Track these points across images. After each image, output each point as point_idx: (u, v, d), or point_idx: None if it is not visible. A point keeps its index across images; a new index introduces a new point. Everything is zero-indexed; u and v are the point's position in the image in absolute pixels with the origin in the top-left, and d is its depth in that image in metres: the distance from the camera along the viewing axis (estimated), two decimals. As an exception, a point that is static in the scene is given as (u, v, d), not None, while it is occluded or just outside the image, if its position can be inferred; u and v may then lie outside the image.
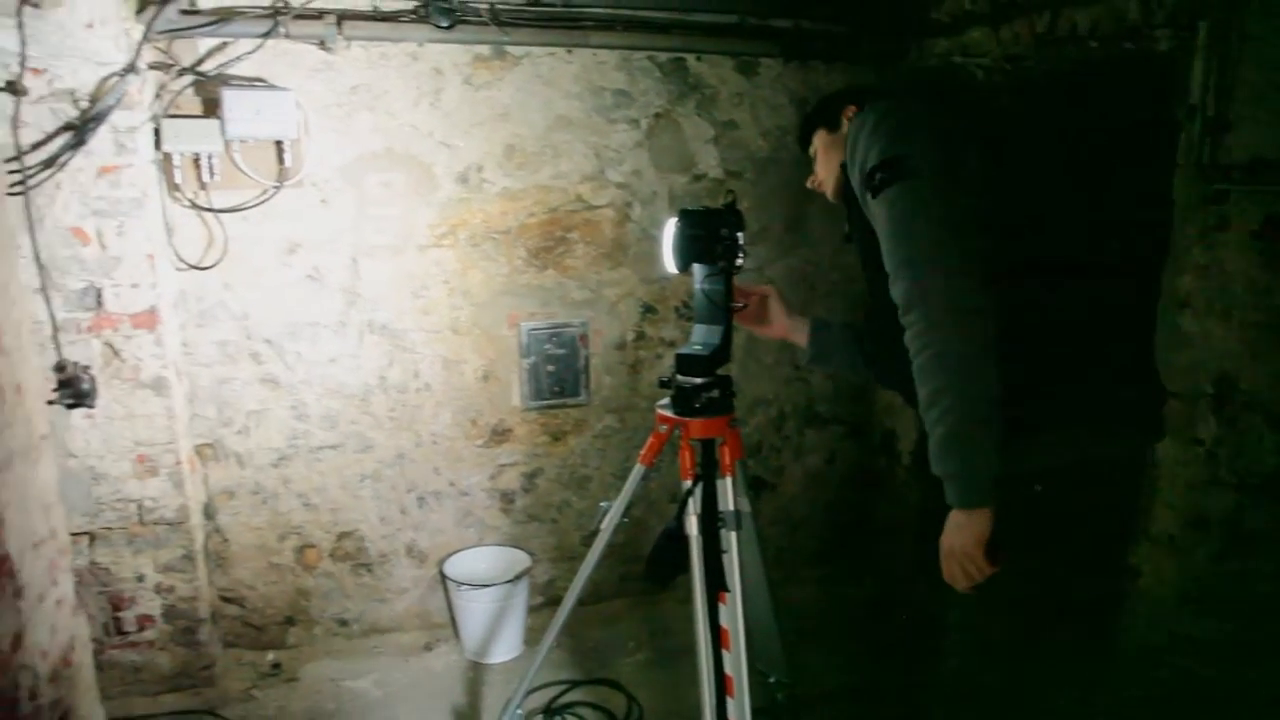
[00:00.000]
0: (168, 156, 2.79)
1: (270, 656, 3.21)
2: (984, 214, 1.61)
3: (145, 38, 2.53)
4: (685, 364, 2.20)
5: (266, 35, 2.77)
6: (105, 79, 2.46)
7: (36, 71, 2.35)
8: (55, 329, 2.31)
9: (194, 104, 2.82)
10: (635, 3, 3.09)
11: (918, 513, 1.99)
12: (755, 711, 2.09)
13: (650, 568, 2.17)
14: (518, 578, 3.20)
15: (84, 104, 2.47)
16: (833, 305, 3.66)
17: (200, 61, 2.81)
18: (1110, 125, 2.56)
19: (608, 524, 2.38)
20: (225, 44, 2.81)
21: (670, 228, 2.20)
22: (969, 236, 1.58)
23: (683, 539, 2.09)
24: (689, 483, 2.13)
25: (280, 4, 2.77)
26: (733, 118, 3.42)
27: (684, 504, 2.10)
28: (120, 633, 2.86)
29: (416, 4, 2.89)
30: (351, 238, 3.08)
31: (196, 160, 2.83)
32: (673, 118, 3.36)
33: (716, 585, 2.04)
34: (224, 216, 2.92)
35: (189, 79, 2.79)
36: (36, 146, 2.40)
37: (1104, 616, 2.09)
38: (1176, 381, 2.31)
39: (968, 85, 2.46)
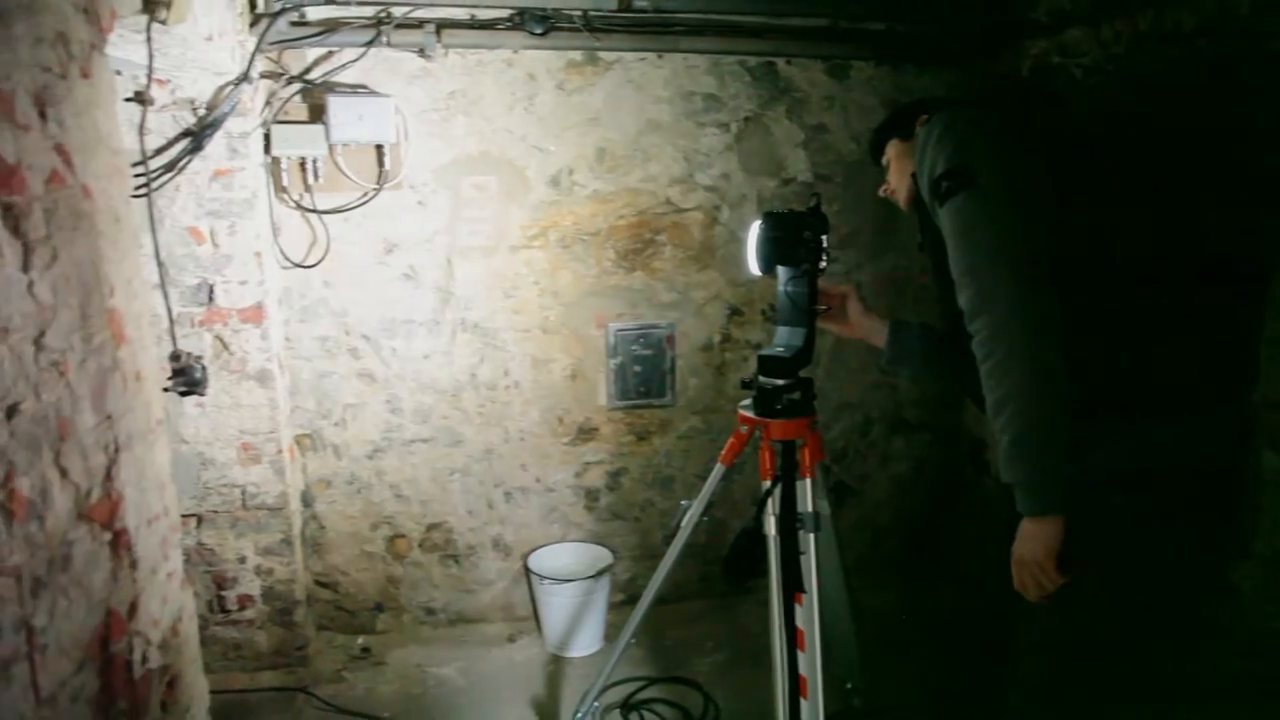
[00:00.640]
0: (276, 160, 2.94)
1: (360, 640, 3.33)
2: (1057, 220, 1.59)
3: (258, 48, 2.68)
4: (767, 365, 2.21)
5: (369, 44, 2.89)
6: (221, 88, 2.61)
7: (161, 82, 2.51)
8: (171, 322, 2.46)
9: (301, 110, 2.96)
10: (726, 7, 3.12)
11: (1004, 525, 1.96)
12: (830, 716, 2.09)
13: (727, 566, 2.19)
14: (599, 574, 3.25)
15: (201, 111, 2.62)
16: (921, 311, 3.61)
17: (308, 70, 2.95)
18: (1218, 126, 2.47)
19: (687, 522, 2.41)
20: (331, 53, 2.95)
21: (754, 230, 2.22)
22: (1037, 243, 1.57)
23: (761, 539, 2.10)
24: (768, 483, 2.15)
25: (383, 14, 2.89)
26: (823, 121, 3.41)
27: (763, 504, 2.12)
28: (223, 610, 3.01)
29: (512, 12, 2.98)
30: (446, 238, 3.19)
31: (302, 163, 2.97)
32: (762, 121, 3.37)
33: (793, 586, 2.04)
34: (326, 217, 3.06)
35: (297, 87, 2.94)
36: (159, 152, 2.56)
37: (1194, 636, 2.02)
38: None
39: (1048, 91, 2.41)
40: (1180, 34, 2.53)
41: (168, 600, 1.63)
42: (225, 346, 2.82)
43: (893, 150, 2.03)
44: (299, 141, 2.90)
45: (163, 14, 1.75)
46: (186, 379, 2.25)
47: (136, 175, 2.12)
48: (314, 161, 2.96)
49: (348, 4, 2.82)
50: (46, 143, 1.20)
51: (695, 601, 3.58)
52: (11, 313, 1.08)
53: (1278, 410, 2.16)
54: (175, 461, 2.04)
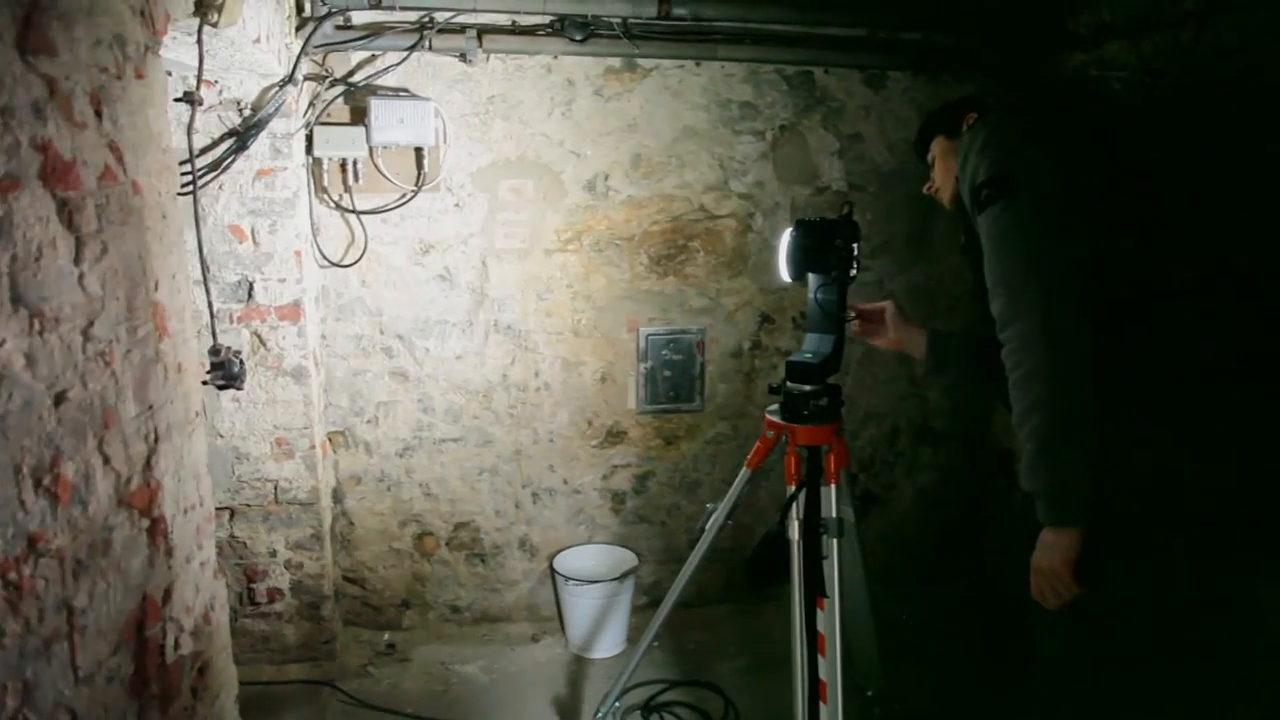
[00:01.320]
0: (318, 161, 2.99)
1: (386, 636, 3.37)
2: (1096, 232, 1.59)
3: (303, 51, 2.73)
4: (795, 371, 2.22)
5: (412, 49, 2.94)
6: (266, 89, 2.67)
7: (209, 83, 2.58)
8: (212, 317, 2.52)
9: (343, 112, 3.02)
10: (764, 16, 3.13)
11: (1029, 535, 1.96)
12: (850, 723, 2.09)
13: (750, 568, 2.20)
14: (624, 576, 3.27)
15: (247, 112, 2.69)
16: (953, 320, 3.60)
17: (351, 73, 3.01)
18: (1258, 143, 2.44)
19: (712, 525, 2.43)
20: (374, 56, 3.00)
21: (786, 237, 2.24)
22: (1071, 256, 1.57)
23: (784, 543, 2.11)
24: (793, 488, 2.16)
25: (426, 19, 2.93)
26: (859, 130, 3.41)
27: (787, 508, 2.13)
28: (253, 603, 3.06)
29: (553, 18, 3.01)
30: (481, 240, 3.23)
31: (343, 164, 3.02)
32: (798, 130, 3.38)
33: (815, 590, 2.05)
34: (365, 218, 3.11)
35: (340, 89, 2.99)
36: (204, 151, 2.63)
37: (1216, 652, 2.00)
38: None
39: (1101, 97, 2.39)
40: (1222, 48, 2.50)
41: (200, 588, 1.67)
42: (262, 343, 2.88)
43: (938, 148, 2.04)
44: (340, 143, 2.95)
45: (214, 17, 1.80)
46: (225, 373, 2.30)
47: (183, 173, 2.18)
48: (354, 163, 3.01)
49: (392, 9, 2.87)
50: (101, 140, 1.24)
51: (718, 606, 3.58)
52: (62, 303, 1.12)
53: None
54: (210, 454, 2.09)
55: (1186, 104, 2.74)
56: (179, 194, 1.63)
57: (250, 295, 2.84)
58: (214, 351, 2.31)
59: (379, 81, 3.01)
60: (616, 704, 2.65)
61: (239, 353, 2.39)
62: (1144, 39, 2.78)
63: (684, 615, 3.34)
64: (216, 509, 2.90)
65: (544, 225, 3.27)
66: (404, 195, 3.11)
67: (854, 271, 2.19)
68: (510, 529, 3.47)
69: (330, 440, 3.26)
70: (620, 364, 3.42)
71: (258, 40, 2.29)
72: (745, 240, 3.42)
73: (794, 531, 2.11)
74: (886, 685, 2.48)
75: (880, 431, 3.68)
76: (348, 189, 3.06)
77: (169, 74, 2.13)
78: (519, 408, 3.38)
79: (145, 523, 1.38)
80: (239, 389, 2.44)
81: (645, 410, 3.47)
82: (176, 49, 1.99)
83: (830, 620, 2.08)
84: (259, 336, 2.88)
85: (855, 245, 2.18)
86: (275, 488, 2.99)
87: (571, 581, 3.24)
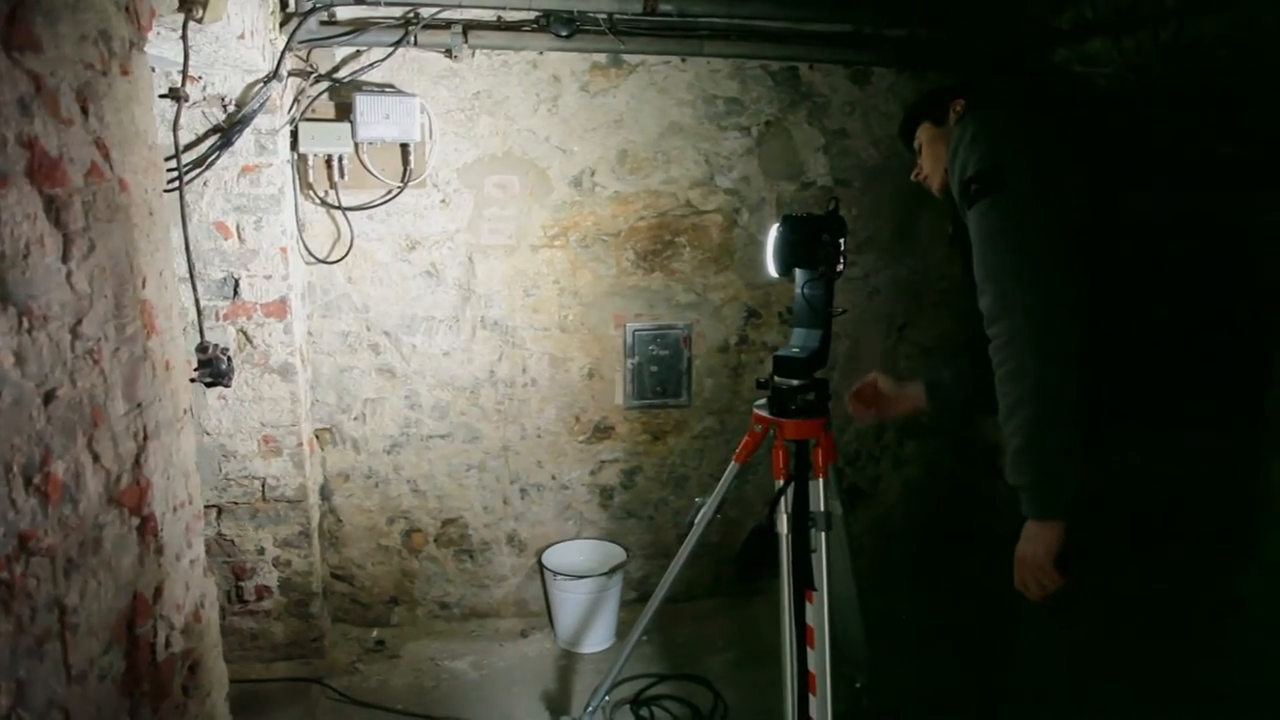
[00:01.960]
0: (303, 157, 2.98)
1: (375, 633, 3.37)
2: (1083, 228, 1.61)
3: (288, 47, 2.72)
4: (783, 366, 2.24)
5: (397, 44, 2.93)
6: (251, 85, 2.66)
7: (193, 79, 2.56)
8: (199, 314, 2.51)
9: (328, 108, 3.00)
10: (750, 12, 3.13)
11: (1014, 528, 1.98)
12: (840, 715, 2.10)
13: (739, 561, 2.22)
14: (612, 571, 3.28)
15: (231, 108, 2.67)
16: (939, 315, 3.62)
17: (336, 69, 3.00)
18: (1237, 138, 2.47)
19: (701, 519, 2.44)
20: (359, 52, 2.99)
21: (773, 233, 2.25)
22: (1060, 252, 1.58)
23: (773, 536, 2.12)
24: (781, 482, 2.17)
25: (411, 15, 2.93)
26: (844, 126, 3.43)
27: (775, 502, 2.14)
28: (241, 601, 3.05)
29: (538, 14, 3.00)
30: (468, 237, 3.22)
31: (329, 161, 3.01)
32: (783, 126, 3.39)
33: (804, 583, 2.07)
34: (351, 214, 3.10)
35: (325, 85, 2.98)
36: (189, 147, 2.61)
37: (1194, 640, 2.02)
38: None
39: (1091, 91, 2.39)
40: (1203, 46, 2.53)
41: (190, 586, 1.66)
42: (249, 340, 2.87)
43: (925, 134, 2.03)
44: (325, 139, 2.94)
45: (199, 12, 1.79)
46: (212, 370, 2.29)
47: (168, 170, 2.17)
48: (340, 159, 3.00)
49: (377, 4, 2.86)
50: (87, 137, 1.23)
51: (707, 600, 3.60)
52: (51, 301, 1.12)
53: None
54: (197, 452, 2.08)
55: (1168, 100, 2.77)
56: (164, 191, 1.62)
57: (236, 292, 2.83)
58: (201, 349, 2.31)
59: (364, 77, 3.00)
60: (606, 698, 2.66)
61: (226, 350, 2.38)
62: (1126, 36, 2.80)
63: (672, 610, 3.35)
64: (205, 506, 2.89)
65: (530, 221, 3.27)
66: (390, 191, 3.11)
67: (841, 267, 2.21)
68: (498, 525, 3.47)
69: (317, 437, 3.26)
70: (607, 359, 3.43)
71: (242, 36, 2.28)
72: (731, 236, 3.42)
73: (783, 525, 2.12)
74: (874, 676, 2.50)
75: (867, 426, 3.69)
76: (333, 185, 3.04)
77: (153, 70, 2.12)
78: (506, 404, 3.38)
79: (135, 521, 1.37)
80: (227, 386, 2.44)
81: (632, 405, 3.47)
82: (161, 45, 1.98)
83: (819, 613, 2.09)
84: (245, 334, 2.86)
85: (842, 240, 2.19)
86: (263, 485, 2.98)
87: (560, 577, 3.25)
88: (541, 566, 3.41)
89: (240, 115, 2.65)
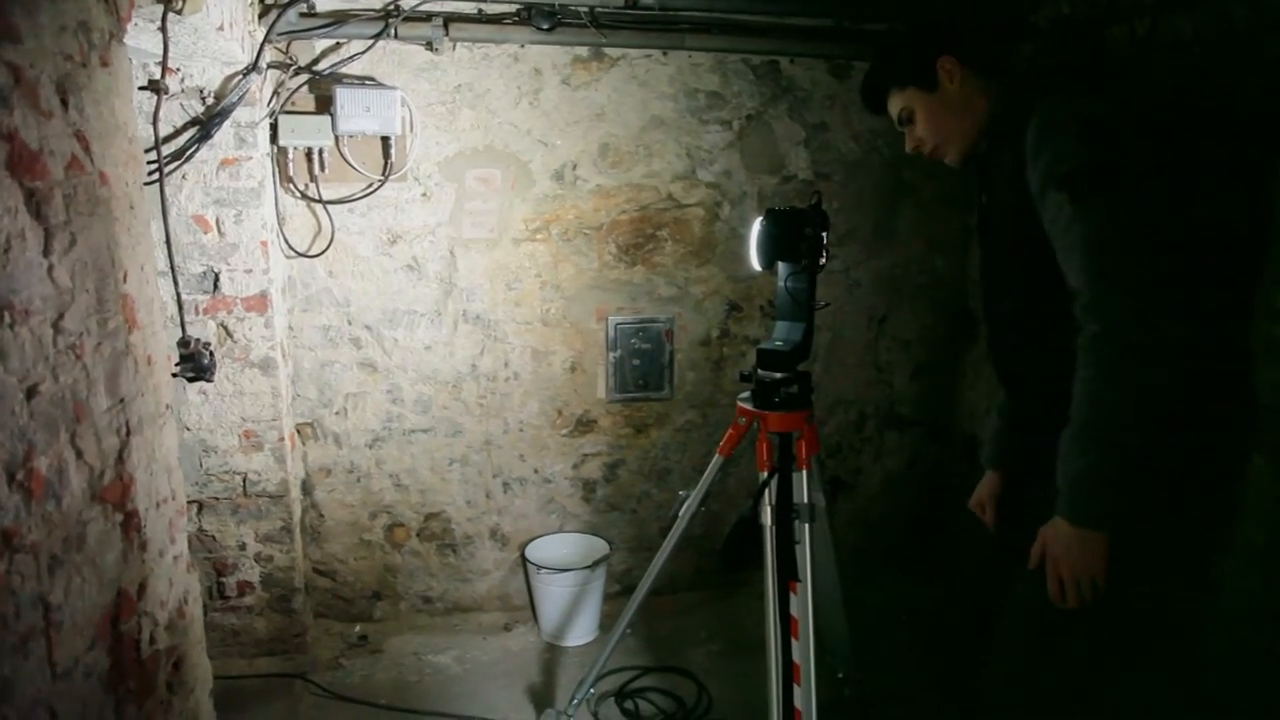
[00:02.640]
0: (283, 150, 2.95)
1: (357, 628, 3.36)
2: (1186, 231, 1.59)
3: (267, 39, 2.70)
4: (766, 359, 2.25)
5: (378, 36, 2.91)
6: (230, 77, 2.63)
7: (171, 71, 2.53)
8: (180, 309, 2.49)
9: (308, 101, 2.98)
10: (731, 6, 3.14)
11: (1001, 522, 2.01)
12: (823, 705, 2.12)
13: (724, 553, 2.23)
14: (596, 564, 3.28)
15: (210, 101, 2.65)
16: (918, 308, 3.65)
17: (315, 61, 2.97)
18: (1212, 131, 2.50)
19: (685, 512, 2.45)
20: (339, 44, 2.97)
21: (756, 226, 2.26)
22: (1167, 256, 1.53)
23: (757, 528, 2.14)
24: (765, 474, 2.18)
25: (391, 7, 2.91)
26: (824, 120, 3.44)
27: (759, 494, 2.15)
28: (222, 597, 3.04)
29: (520, 7, 3.00)
30: (449, 230, 3.21)
31: (309, 154, 2.98)
32: (764, 119, 3.39)
33: (788, 574, 2.08)
34: (332, 207, 3.08)
35: (304, 77, 2.96)
36: (168, 140, 2.59)
37: (1178, 628, 2.05)
38: (1268, 394, 2.25)
39: (1143, 74, 2.32)
40: (1177, 41, 2.55)
41: (174, 582, 1.66)
42: (229, 334, 2.85)
43: (917, 102, 1.86)
44: (305, 132, 2.92)
45: (178, 4, 1.78)
46: (194, 365, 2.28)
47: (148, 163, 2.15)
48: (320, 152, 2.98)
49: (356, -4, 2.84)
50: (67, 130, 1.22)
51: (690, 593, 3.62)
52: (32, 295, 1.11)
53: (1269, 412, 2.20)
54: (178, 448, 2.07)
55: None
56: (144, 184, 1.61)
57: (216, 286, 2.81)
58: (183, 344, 2.29)
59: (344, 70, 2.98)
60: (590, 691, 2.67)
61: (208, 344, 2.37)
62: (1102, 32, 2.83)
63: (656, 602, 3.36)
64: (186, 501, 2.87)
65: (512, 215, 3.26)
66: (371, 185, 3.09)
67: (823, 260, 2.22)
68: (481, 519, 3.47)
69: (299, 432, 3.24)
70: (589, 353, 3.43)
71: (221, 28, 2.26)
72: (713, 229, 3.43)
73: (766, 517, 2.13)
74: (857, 666, 2.52)
75: (848, 418, 3.72)
76: (314, 178, 3.02)
77: (131, 62, 2.10)
78: (489, 398, 3.37)
79: (119, 517, 1.37)
80: (209, 381, 2.42)
81: (615, 399, 3.48)
82: (140, 36, 1.96)
83: (803, 604, 2.11)
84: (225, 328, 2.84)
85: (825, 234, 2.20)
86: (244, 480, 2.97)
87: (543, 570, 3.25)
88: (524, 560, 3.41)
89: (219, 108, 2.63)
